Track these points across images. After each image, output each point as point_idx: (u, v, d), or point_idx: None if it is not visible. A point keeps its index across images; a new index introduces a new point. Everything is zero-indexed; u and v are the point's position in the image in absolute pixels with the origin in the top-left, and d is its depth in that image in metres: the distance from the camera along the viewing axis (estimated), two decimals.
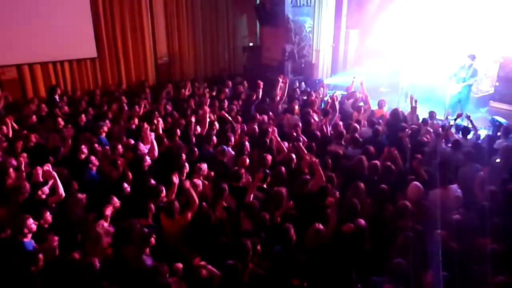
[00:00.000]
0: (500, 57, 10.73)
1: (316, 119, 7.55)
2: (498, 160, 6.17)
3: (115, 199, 4.48)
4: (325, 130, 7.08)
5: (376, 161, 5.61)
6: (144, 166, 5.41)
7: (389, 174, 5.46)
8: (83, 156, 5.65)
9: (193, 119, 6.77)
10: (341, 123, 7.44)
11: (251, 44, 12.84)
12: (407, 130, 6.77)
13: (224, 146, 6.14)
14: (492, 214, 4.33)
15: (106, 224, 4.22)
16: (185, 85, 9.81)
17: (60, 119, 7.01)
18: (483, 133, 8.10)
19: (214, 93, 9.52)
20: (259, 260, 3.83)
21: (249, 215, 4.41)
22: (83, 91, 9.95)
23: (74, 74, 10.08)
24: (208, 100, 8.40)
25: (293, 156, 5.89)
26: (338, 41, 12.96)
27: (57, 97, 8.71)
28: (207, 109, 7.12)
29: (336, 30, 12.63)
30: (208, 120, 6.95)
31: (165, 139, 6.37)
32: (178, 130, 6.62)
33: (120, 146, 5.88)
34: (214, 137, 6.49)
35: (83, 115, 7.42)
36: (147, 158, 5.52)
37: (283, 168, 5.34)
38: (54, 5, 9.32)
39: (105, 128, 6.77)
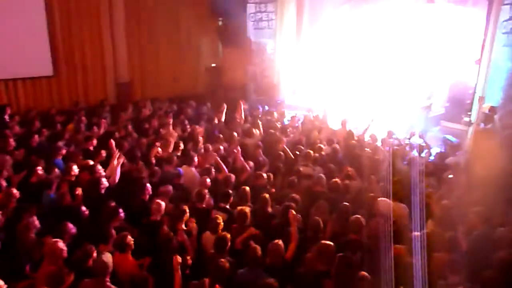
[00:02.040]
0: (450, 80, 11.36)
1: (284, 139, 7.69)
2: (450, 176, 6.50)
3: (70, 226, 4.28)
4: (288, 150, 7.21)
5: (337, 179, 5.78)
6: (100, 189, 5.21)
7: (348, 192, 5.66)
8: (39, 178, 5.41)
9: (157, 143, 6.65)
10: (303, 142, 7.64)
11: (213, 65, 12.93)
12: (366, 149, 7.01)
13: (184, 167, 6.10)
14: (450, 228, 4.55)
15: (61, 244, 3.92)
16: (146, 105, 9.68)
17: (11, 140, 6.68)
18: (435, 151, 8.53)
19: (176, 113, 9.46)
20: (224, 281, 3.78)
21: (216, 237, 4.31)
22: (37, 110, 9.50)
23: (28, 93, 9.74)
24: (171, 120, 8.35)
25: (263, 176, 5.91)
26: (297, 63, 13.09)
27: (7, 117, 8.34)
28: (171, 129, 7.04)
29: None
30: (171, 140, 6.86)
31: (125, 161, 6.22)
32: (138, 152, 6.51)
33: (75, 168, 5.63)
34: (176, 158, 6.43)
35: (36, 136, 7.12)
36: (104, 181, 5.32)
37: (247, 188, 5.33)
38: (7, 21, 9.00)
39: (63, 151, 6.50)
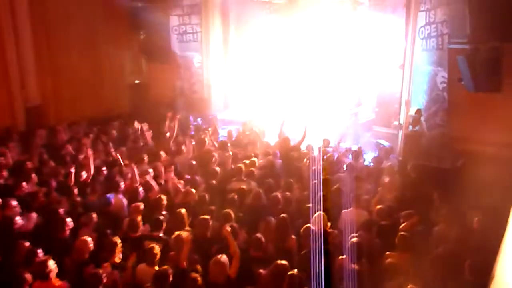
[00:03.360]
0: (377, 85, 12.04)
1: (216, 155, 7.68)
2: (386, 180, 6.92)
3: None
4: (224, 166, 7.23)
5: (277, 193, 5.87)
6: (13, 229, 4.82)
7: (289, 204, 5.77)
8: None
9: (72, 169, 6.28)
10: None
11: (137, 81, 12.62)
12: (305, 160, 7.20)
13: (111, 194, 5.86)
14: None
15: None
16: (61, 129, 9.17)
17: None
18: (370, 156, 9.04)
19: (98, 136, 9.06)
20: None
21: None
22: None
23: None
24: (91, 143, 7.96)
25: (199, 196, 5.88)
26: (230, 75, 13.31)
27: None
28: (90, 153, 6.67)
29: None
30: (92, 165, 6.54)
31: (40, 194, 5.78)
32: (54, 182, 6.13)
33: None
34: (100, 185, 6.19)
35: None
36: (19, 219, 4.92)
37: (182, 210, 5.19)
38: None
39: None
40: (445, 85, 8.17)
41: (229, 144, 8.32)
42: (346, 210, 5.64)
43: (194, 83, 11.79)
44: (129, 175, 6.63)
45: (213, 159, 7.44)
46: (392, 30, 11.03)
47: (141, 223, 5.06)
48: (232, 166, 7.27)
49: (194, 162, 7.25)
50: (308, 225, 4.78)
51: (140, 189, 6.03)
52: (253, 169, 6.99)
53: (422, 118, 8.67)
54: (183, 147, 8.00)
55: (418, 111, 8.74)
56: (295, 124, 9.27)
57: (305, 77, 12.05)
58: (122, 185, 6.16)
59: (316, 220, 4.88)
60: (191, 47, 11.73)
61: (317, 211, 5.08)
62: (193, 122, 10.76)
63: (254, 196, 5.88)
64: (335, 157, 8.04)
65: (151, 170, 6.78)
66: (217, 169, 6.98)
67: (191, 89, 11.63)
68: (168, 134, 8.59)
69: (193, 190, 5.95)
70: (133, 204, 5.49)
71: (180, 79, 11.48)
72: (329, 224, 5.08)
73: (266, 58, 12.36)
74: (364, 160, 8.19)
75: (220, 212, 5.35)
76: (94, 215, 5.11)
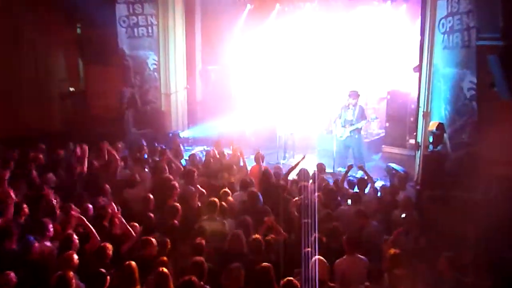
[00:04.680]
0: (386, 94, 12.28)
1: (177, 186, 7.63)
2: (403, 216, 6.92)
3: None
4: (192, 200, 7.24)
5: (257, 236, 5.88)
6: None
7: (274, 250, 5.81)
8: None
9: None
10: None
11: (72, 89, 12.52)
12: (297, 199, 7.20)
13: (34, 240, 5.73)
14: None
15: None
16: None
17: None
18: (379, 184, 9.03)
19: (20, 163, 8.92)
20: None
21: None
22: None
23: None
24: (7, 173, 7.87)
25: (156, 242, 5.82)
26: (195, 82, 13.48)
27: None
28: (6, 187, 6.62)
29: (190, 68, 13.11)
30: (9, 202, 6.49)
31: None
32: None
33: None
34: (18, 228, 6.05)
35: None
36: None
37: (132, 263, 5.13)
38: None
39: None
40: (473, 92, 8.22)
41: (195, 172, 8.29)
42: (348, 257, 5.66)
43: (148, 90, 11.77)
44: (61, 215, 6.54)
45: (174, 191, 7.41)
46: (405, 23, 11.27)
47: (74, 280, 4.92)
48: (199, 203, 7.27)
49: (150, 197, 7.21)
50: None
51: (75, 232, 5.94)
52: (227, 204, 7.00)
53: (445, 135, 8.76)
54: (138, 178, 8.00)
55: (440, 126, 8.83)
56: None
57: (292, 84, 12.30)
58: (51, 228, 6.04)
59: (312, 269, 4.84)
60: (144, 44, 11.67)
61: (312, 257, 5.10)
62: (148, 143, 10.45)
63: (232, 239, 5.88)
64: (334, 187, 8.06)
65: (91, 207, 6.74)
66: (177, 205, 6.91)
67: (144, 99, 11.60)
68: (113, 161, 8.58)
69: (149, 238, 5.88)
70: (65, 254, 5.37)
71: (129, 86, 11.34)
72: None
73: (243, 59, 12.62)
74: (372, 191, 8.23)
75: (184, 263, 5.29)
76: (12, 275, 4.96)
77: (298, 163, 8.71)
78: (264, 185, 8.04)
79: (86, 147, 8.44)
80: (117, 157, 8.62)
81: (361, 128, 10.82)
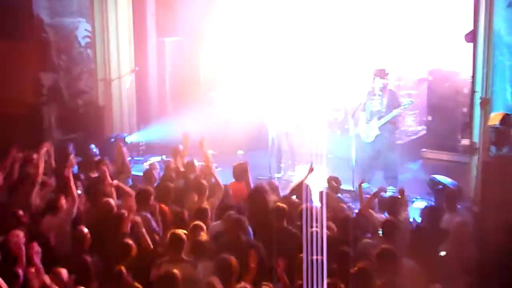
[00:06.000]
0: (426, 74, 12.24)
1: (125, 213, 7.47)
2: (443, 253, 6.95)
3: None
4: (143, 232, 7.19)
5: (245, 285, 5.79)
6: None
7: None
8: None
9: None
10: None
11: None
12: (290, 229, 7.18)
13: None
14: None
15: None
16: None
17: None
18: (419, 205, 8.98)
19: None
20: None
21: None
22: None
23: None
24: None
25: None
26: (147, 62, 13.48)
27: None
28: None
29: (139, 41, 13.13)
30: None
31: None
32: None
33: None
34: None
35: None
36: None
37: None
38: None
39: None
40: None
41: (152, 192, 8.19)
42: None
43: (79, 76, 11.75)
44: None
45: (123, 222, 7.28)
46: None
47: None
48: (157, 237, 7.36)
49: (84, 230, 7.01)
50: None
51: None
52: (200, 238, 6.93)
53: None
54: (64, 200, 7.81)
55: (506, 119, 8.65)
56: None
57: (289, 62, 12.35)
58: None
59: None
60: (71, 7, 11.61)
61: None
62: (82, 151, 10.49)
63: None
64: (355, 210, 8.06)
65: None
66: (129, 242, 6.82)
67: (73, 89, 11.56)
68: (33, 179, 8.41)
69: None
70: None
71: (50, 70, 11.28)
72: None
73: (217, 25, 12.72)
74: (410, 215, 8.20)
75: None
76: None
77: (306, 176, 8.31)
78: (254, 210, 7.85)
79: None
80: (37, 170, 8.39)
81: (394, 122, 10.54)
